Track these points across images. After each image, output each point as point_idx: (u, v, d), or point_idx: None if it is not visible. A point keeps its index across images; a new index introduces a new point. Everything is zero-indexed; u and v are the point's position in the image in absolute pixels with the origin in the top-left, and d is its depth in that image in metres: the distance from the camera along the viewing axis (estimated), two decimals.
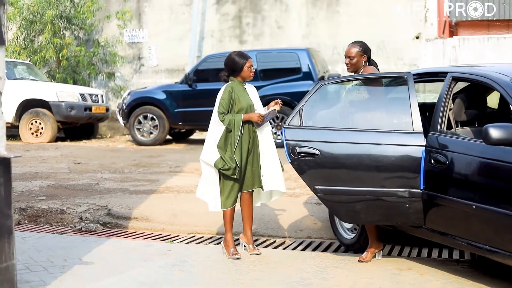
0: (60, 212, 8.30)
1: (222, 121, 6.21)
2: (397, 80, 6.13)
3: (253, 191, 6.43)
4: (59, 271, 5.75)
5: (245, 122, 6.27)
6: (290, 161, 5.96)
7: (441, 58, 19.02)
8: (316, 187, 5.83)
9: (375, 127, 5.78)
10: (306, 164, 5.86)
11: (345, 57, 6.44)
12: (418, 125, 5.62)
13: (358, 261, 6.08)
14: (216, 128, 6.30)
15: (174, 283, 5.50)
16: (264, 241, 7.26)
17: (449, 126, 5.77)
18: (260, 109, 6.44)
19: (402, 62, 19.18)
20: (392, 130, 5.68)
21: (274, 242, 7.28)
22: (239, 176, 6.22)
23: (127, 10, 20.48)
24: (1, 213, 4.53)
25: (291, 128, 6.03)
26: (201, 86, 16.01)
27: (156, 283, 5.49)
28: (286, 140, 5.97)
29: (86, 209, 8.41)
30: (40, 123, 17.04)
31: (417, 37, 19.16)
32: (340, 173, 5.83)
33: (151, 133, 16.56)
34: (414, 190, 5.56)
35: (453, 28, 19.75)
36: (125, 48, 21.16)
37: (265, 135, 6.45)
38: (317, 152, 5.81)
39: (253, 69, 6.43)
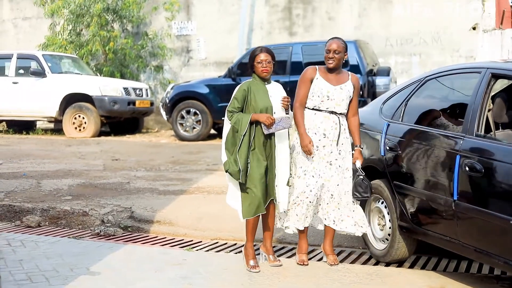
0: (82, 214, 7.95)
1: (230, 119, 5.68)
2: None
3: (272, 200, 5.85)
4: (60, 282, 5.35)
5: (256, 123, 5.67)
6: (383, 154, 6.00)
7: (499, 50, 18.13)
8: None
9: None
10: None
11: (328, 51, 5.84)
12: None
13: None
14: (226, 128, 5.79)
15: None
16: (291, 249, 6.75)
17: (487, 129, 5.15)
18: (280, 112, 5.79)
19: (458, 54, 18.39)
20: None
21: None
22: (245, 181, 5.64)
23: (175, 1, 20.14)
24: None
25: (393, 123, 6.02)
26: (245, 79, 15.52)
27: None
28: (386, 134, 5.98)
29: (109, 211, 8.04)
30: (83, 118, 16.85)
31: (474, 28, 18.32)
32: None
33: (194, 128, 16.20)
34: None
35: None
36: (173, 40, 20.84)
37: (282, 144, 5.84)
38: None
39: (267, 65, 5.70)
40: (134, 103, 17.25)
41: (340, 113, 5.89)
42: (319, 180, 5.80)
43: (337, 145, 5.85)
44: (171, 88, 16.83)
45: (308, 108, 5.92)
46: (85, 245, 6.65)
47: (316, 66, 5.98)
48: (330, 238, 6.03)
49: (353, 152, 5.93)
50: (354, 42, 15.07)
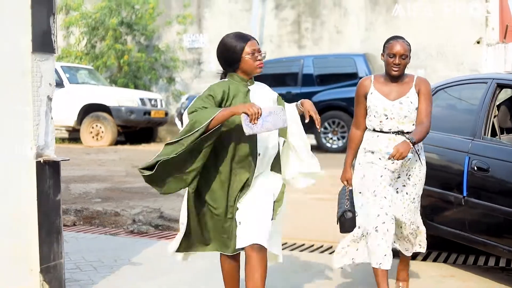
0: (114, 214, 8.51)
1: (189, 114, 3.95)
2: None
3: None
4: (107, 271, 5.93)
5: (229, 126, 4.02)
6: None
7: (502, 63, 18.72)
8: None
9: None
10: None
11: (392, 56, 4.79)
12: None
13: None
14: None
15: (213, 283, 5.58)
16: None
17: (493, 133, 5.75)
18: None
19: (462, 66, 18.96)
20: None
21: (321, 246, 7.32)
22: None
23: (188, 14, 20.78)
24: (51, 214, 4.72)
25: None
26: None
27: (195, 284, 5.62)
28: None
29: (139, 211, 8.61)
30: (100, 127, 17.44)
31: (478, 42, 18.91)
32: None
33: None
34: None
35: None
36: (185, 53, 21.47)
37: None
38: None
39: (261, 56, 4.11)
40: (149, 113, 17.86)
41: (408, 132, 4.84)
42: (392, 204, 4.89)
43: (406, 175, 4.96)
44: (186, 99, 17.46)
45: (369, 130, 4.98)
46: (122, 241, 7.23)
47: (372, 76, 5.01)
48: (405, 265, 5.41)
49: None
50: (363, 55, 15.74)
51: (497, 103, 5.94)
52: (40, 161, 4.61)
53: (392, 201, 4.85)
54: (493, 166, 5.34)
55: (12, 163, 4.56)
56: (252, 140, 4.05)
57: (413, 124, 4.84)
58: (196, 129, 3.82)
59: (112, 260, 6.30)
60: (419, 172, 4.95)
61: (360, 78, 15.15)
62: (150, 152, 16.38)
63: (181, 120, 17.10)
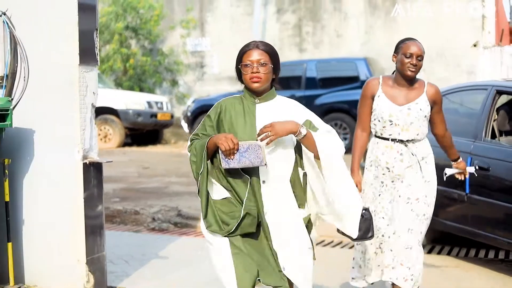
0: (134, 213, 9.00)
1: (189, 151, 3.66)
2: None
3: None
4: (138, 263, 6.43)
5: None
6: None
7: (498, 66, 19.22)
8: None
9: None
10: None
11: (409, 56, 4.62)
12: None
13: None
14: None
15: None
16: None
17: (493, 136, 6.27)
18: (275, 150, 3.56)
19: (460, 69, 19.46)
20: None
21: None
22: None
23: (191, 19, 21.27)
24: (95, 210, 5.22)
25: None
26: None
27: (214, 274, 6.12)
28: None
29: (158, 210, 9.09)
30: (108, 129, 17.91)
31: (475, 45, 19.41)
32: None
33: None
34: None
35: None
36: (188, 56, 21.94)
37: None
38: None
39: (255, 69, 3.50)
40: (156, 116, 18.33)
41: (409, 140, 4.67)
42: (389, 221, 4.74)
43: (402, 182, 4.72)
44: (192, 102, 17.95)
45: (372, 135, 4.84)
46: (145, 238, 7.73)
47: (380, 78, 4.78)
48: None
49: (455, 168, 5.11)
50: (364, 59, 16.30)
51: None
52: (86, 162, 5.11)
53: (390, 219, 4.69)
54: (493, 165, 5.86)
55: (62, 165, 5.07)
56: (227, 165, 3.48)
57: (417, 134, 4.66)
58: (195, 167, 3.58)
59: (140, 254, 6.80)
60: (419, 185, 4.71)
61: (362, 81, 15.81)
62: (158, 154, 16.89)
63: (187, 122, 17.59)
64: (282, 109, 3.59)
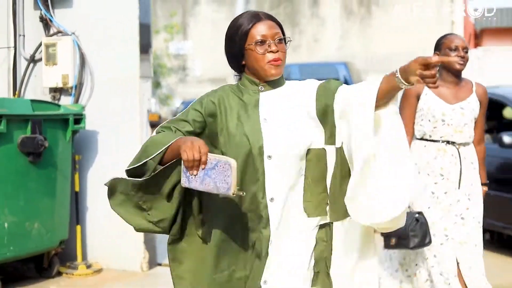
0: None
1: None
2: None
3: None
4: None
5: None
6: None
7: (468, 69, 20.32)
8: None
9: None
10: None
11: (455, 48, 4.14)
12: None
13: None
14: None
15: None
16: None
17: None
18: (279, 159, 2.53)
19: None
20: None
21: None
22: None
23: (174, 24, 22.15)
24: None
25: None
26: None
27: None
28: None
29: None
30: None
31: None
32: None
33: None
34: None
35: (478, 38, 21.05)
36: (171, 59, 22.80)
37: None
38: None
39: (274, 47, 2.51)
40: None
41: (461, 144, 4.17)
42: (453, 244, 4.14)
43: (459, 187, 4.15)
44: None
45: (416, 139, 4.27)
46: None
47: None
48: None
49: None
50: (344, 64, 17.41)
51: None
52: None
53: (453, 238, 4.13)
54: None
55: (124, 160, 6.05)
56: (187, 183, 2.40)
57: (470, 137, 4.18)
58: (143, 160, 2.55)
59: None
60: (477, 187, 4.25)
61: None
62: None
63: None
64: (292, 93, 2.62)
